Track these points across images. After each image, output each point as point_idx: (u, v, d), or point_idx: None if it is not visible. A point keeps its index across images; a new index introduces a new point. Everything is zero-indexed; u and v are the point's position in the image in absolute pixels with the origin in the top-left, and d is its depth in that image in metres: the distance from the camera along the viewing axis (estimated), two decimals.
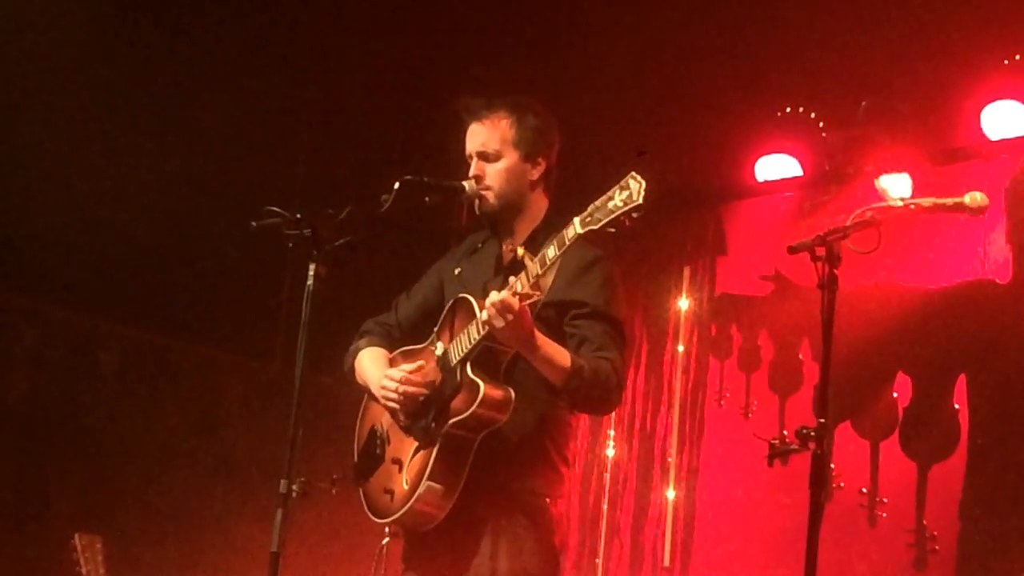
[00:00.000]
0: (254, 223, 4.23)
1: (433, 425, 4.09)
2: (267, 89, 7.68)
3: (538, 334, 3.94)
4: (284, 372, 7.63)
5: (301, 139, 8.02)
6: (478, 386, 3.98)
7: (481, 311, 3.94)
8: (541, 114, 4.35)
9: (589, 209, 3.78)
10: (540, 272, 3.86)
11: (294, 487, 3.93)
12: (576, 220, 3.80)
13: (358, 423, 4.46)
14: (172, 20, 7.41)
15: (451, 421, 4.02)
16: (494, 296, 3.86)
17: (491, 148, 4.28)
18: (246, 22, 7.52)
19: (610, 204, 3.72)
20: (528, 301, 3.87)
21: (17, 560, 6.73)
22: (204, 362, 7.89)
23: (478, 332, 3.99)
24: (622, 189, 3.71)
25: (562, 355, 4.00)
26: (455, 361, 4.09)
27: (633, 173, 3.71)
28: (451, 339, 4.16)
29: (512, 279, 3.94)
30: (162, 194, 7.40)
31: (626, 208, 3.69)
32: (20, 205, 6.99)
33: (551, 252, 3.84)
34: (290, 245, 4.15)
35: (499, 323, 3.85)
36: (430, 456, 4.05)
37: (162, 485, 7.42)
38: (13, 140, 6.95)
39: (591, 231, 3.76)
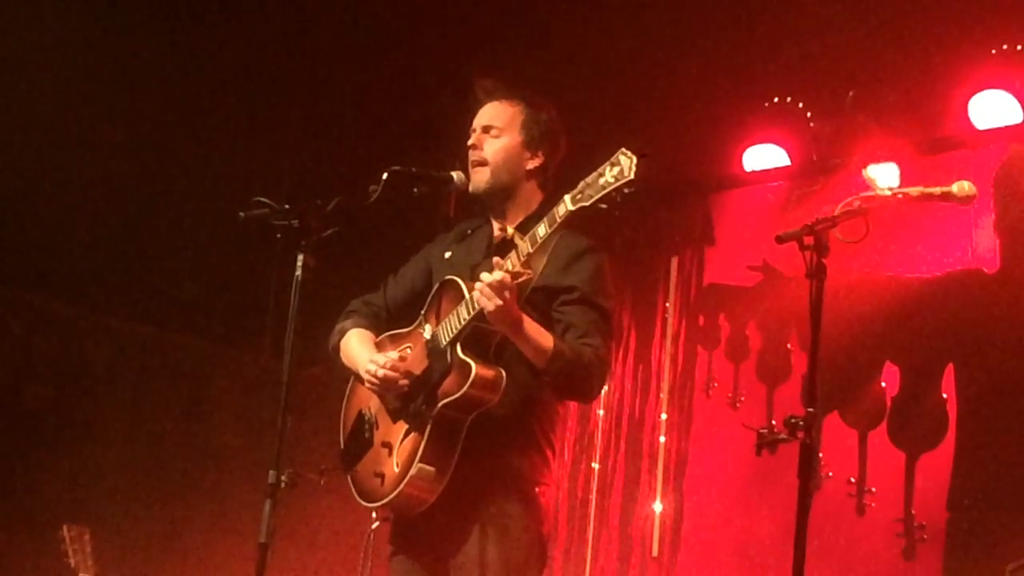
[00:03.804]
0: (242, 214, 4.23)
1: (424, 407, 4.08)
2: (255, 80, 7.67)
3: (523, 316, 3.95)
4: (272, 363, 7.63)
5: (289, 130, 8.01)
6: (469, 366, 3.98)
7: (470, 292, 3.95)
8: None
9: (580, 186, 3.80)
10: (531, 250, 3.86)
11: (283, 478, 3.92)
12: (567, 197, 3.82)
13: (344, 407, 4.44)
14: (159, 12, 7.40)
15: (442, 402, 4.01)
16: (488, 276, 3.86)
17: (496, 124, 4.31)
18: (234, 14, 7.51)
19: (601, 180, 3.74)
20: (519, 280, 3.87)
21: (5, 551, 6.73)
22: (192, 353, 7.89)
23: (468, 313, 3.99)
24: (612, 165, 3.72)
25: (545, 338, 4.00)
26: (445, 342, 4.08)
27: (623, 149, 3.72)
28: (438, 321, 4.15)
29: (497, 259, 3.93)
30: (150, 185, 7.40)
31: (617, 184, 3.71)
32: (6, 197, 6.98)
33: (542, 230, 3.85)
34: (278, 236, 4.15)
35: (493, 304, 3.85)
36: (421, 438, 4.04)
37: (150, 476, 7.42)
38: None
39: (582, 208, 3.78)
